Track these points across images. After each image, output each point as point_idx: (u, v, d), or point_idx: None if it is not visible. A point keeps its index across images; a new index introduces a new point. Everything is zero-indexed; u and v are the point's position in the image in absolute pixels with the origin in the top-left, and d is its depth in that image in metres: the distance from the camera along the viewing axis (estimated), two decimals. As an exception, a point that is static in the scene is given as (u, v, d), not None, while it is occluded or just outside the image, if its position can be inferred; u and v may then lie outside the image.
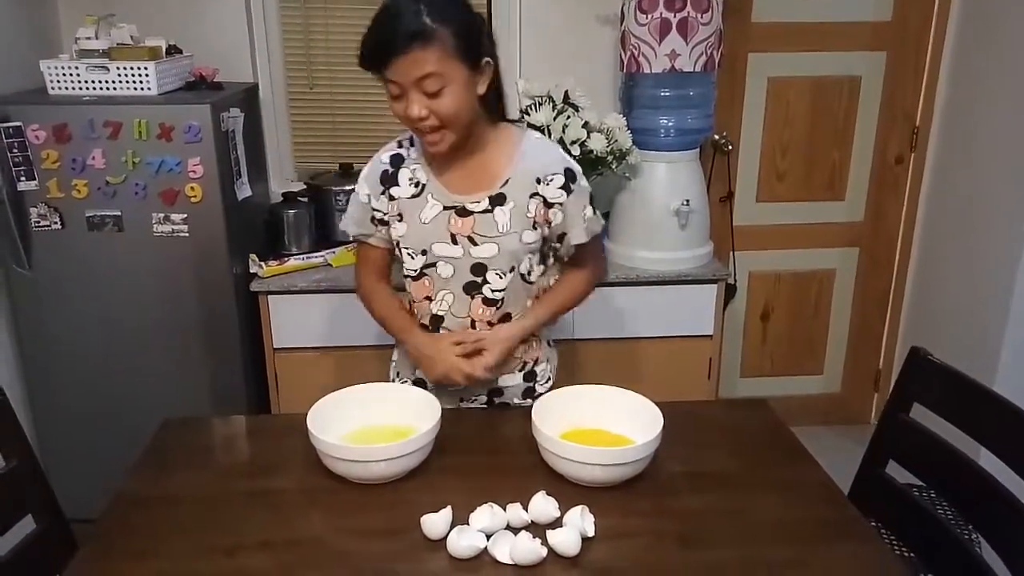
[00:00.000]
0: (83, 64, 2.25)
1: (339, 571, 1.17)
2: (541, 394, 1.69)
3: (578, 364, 2.52)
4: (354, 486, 1.34)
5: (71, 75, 2.26)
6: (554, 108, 2.37)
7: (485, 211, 1.50)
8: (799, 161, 2.94)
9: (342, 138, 2.76)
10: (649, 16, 2.31)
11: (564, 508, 1.25)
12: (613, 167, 2.41)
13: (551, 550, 1.17)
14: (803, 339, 3.16)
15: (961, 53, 2.73)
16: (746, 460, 1.46)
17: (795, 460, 1.46)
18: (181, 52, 2.45)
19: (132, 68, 2.24)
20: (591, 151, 2.34)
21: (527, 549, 1.15)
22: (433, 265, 1.54)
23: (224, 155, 2.27)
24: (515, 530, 1.21)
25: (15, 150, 2.17)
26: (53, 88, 2.27)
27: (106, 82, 2.26)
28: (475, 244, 1.51)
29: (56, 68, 2.26)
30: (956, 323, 2.72)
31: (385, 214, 1.56)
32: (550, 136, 2.33)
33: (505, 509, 1.24)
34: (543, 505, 1.25)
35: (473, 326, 1.57)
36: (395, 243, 1.57)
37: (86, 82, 2.26)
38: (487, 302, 1.55)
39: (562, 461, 1.32)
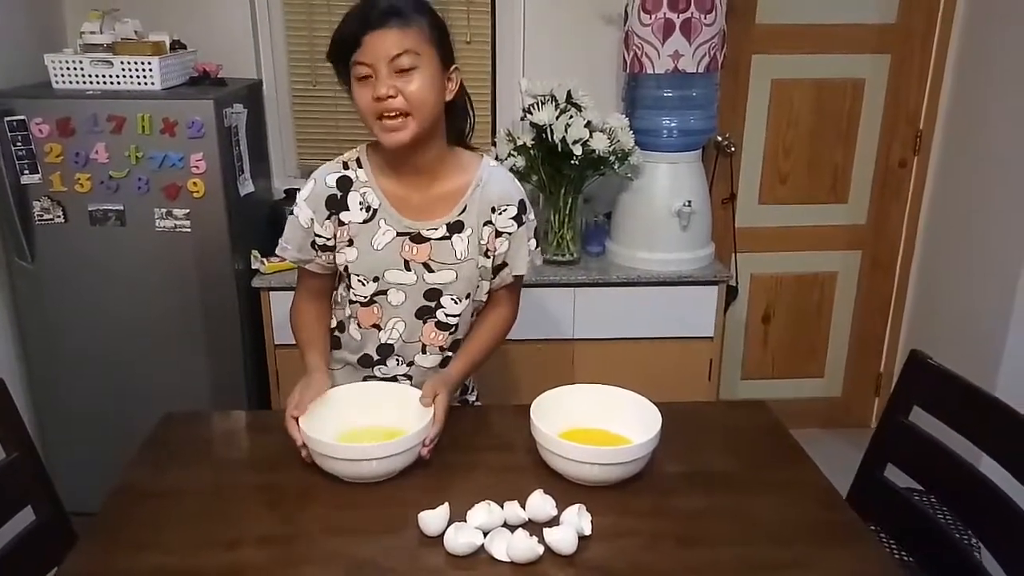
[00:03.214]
0: (87, 58, 2.26)
1: (337, 566, 1.17)
2: (473, 402, 1.73)
3: (578, 364, 2.52)
4: (353, 483, 1.34)
5: (75, 69, 2.26)
6: (556, 108, 2.37)
7: (443, 238, 1.47)
8: (802, 163, 2.94)
9: (345, 135, 2.76)
10: (652, 16, 2.31)
11: (561, 507, 1.25)
12: (615, 167, 2.42)
13: (548, 548, 1.17)
14: (804, 342, 3.16)
15: (965, 57, 2.73)
16: (745, 461, 1.46)
17: (794, 462, 1.46)
18: (185, 47, 2.45)
19: (136, 63, 2.25)
20: (593, 151, 2.34)
21: (524, 547, 1.15)
22: (384, 293, 1.50)
23: (227, 151, 2.28)
24: (512, 528, 1.21)
25: (19, 143, 2.17)
26: (57, 82, 2.28)
27: (110, 76, 2.26)
28: (431, 271, 1.48)
29: (60, 62, 2.26)
30: (958, 327, 2.72)
31: (329, 239, 1.48)
32: (552, 136, 2.34)
33: (502, 507, 1.24)
34: (540, 503, 1.25)
35: (423, 351, 1.55)
36: (343, 268, 1.50)
37: (90, 76, 2.27)
38: (440, 326, 1.53)
39: (560, 460, 1.32)
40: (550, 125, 2.34)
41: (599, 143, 2.34)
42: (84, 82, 2.27)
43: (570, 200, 2.49)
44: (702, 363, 2.56)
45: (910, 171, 2.95)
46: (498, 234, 1.51)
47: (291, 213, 1.52)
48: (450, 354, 1.57)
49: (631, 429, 1.41)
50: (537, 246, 1.57)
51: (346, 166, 1.49)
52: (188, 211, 2.26)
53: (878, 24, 2.80)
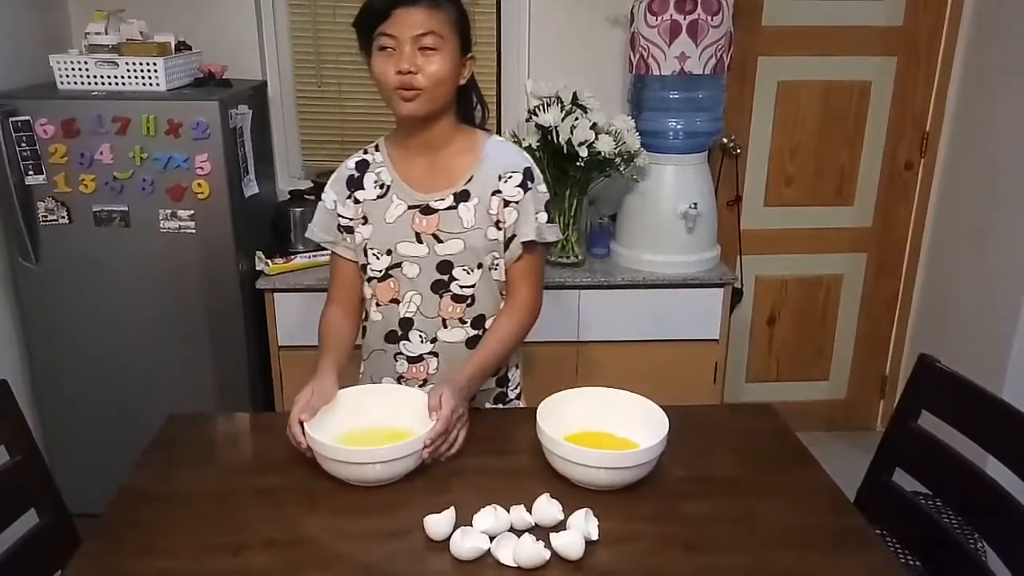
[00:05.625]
0: (92, 59, 2.26)
1: (342, 571, 1.16)
2: (512, 399, 1.70)
3: (584, 366, 2.51)
4: (358, 486, 1.33)
5: (80, 70, 2.26)
6: (562, 109, 2.36)
7: (450, 208, 1.52)
8: (808, 165, 2.93)
9: (350, 136, 2.75)
10: (659, 18, 2.30)
11: (568, 511, 1.24)
12: (621, 169, 2.41)
13: (554, 553, 1.16)
14: (809, 344, 3.15)
15: (972, 59, 2.72)
16: (752, 465, 1.45)
17: (801, 466, 1.45)
18: (190, 48, 2.45)
19: (141, 64, 2.25)
20: (599, 153, 2.33)
21: (530, 551, 1.14)
22: (399, 265, 1.55)
23: (232, 152, 2.28)
24: (518, 532, 1.20)
25: (23, 144, 2.17)
26: (62, 83, 2.28)
27: (115, 77, 2.26)
28: (440, 241, 1.52)
29: (65, 63, 2.26)
30: (964, 330, 2.71)
31: (351, 220, 1.56)
32: (558, 137, 2.33)
33: (509, 511, 1.23)
34: (547, 508, 1.24)
35: (444, 325, 1.57)
36: (363, 249, 1.56)
37: (95, 77, 2.27)
38: (456, 299, 1.55)
39: (566, 464, 1.32)
40: (556, 127, 2.34)
41: (605, 145, 2.33)
42: (89, 83, 2.27)
43: (575, 202, 2.49)
44: (707, 366, 2.55)
45: (916, 173, 2.94)
46: (506, 204, 1.53)
47: (321, 199, 1.61)
48: (474, 331, 1.57)
49: (637, 433, 1.41)
50: (550, 221, 1.55)
51: (366, 151, 1.60)
52: (193, 212, 2.25)
53: (885, 26, 2.79)
